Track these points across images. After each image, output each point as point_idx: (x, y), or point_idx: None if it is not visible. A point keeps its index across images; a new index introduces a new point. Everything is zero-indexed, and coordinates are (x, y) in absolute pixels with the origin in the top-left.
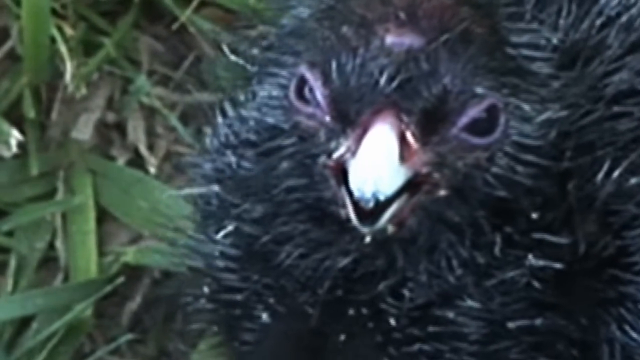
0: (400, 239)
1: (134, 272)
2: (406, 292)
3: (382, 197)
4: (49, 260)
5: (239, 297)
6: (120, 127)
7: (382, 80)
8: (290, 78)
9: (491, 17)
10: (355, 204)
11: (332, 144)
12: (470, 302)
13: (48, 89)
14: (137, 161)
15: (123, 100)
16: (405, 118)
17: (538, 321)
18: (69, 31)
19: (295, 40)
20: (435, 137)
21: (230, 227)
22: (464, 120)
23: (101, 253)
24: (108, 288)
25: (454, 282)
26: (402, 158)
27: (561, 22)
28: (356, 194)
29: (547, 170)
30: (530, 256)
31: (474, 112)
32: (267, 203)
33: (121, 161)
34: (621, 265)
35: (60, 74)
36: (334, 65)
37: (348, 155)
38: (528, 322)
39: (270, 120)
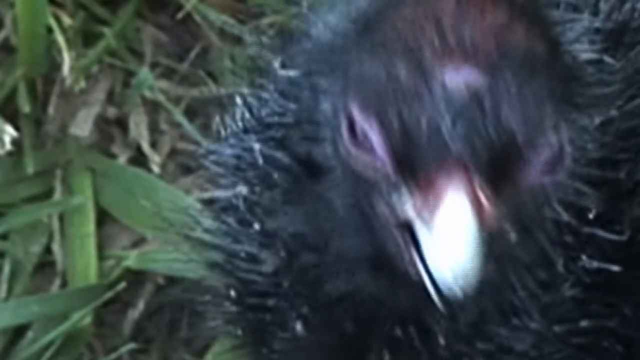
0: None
1: (136, 278)
2: (459, 312)
3: (464, 280)
4: (45, 265)
5: (269, 302)
6: (122, 123)
7: (447, 133)
8: (332, 107)
9: (544, 24)
10: (430, 273)
11: (394, 197)
12: (526, 319)
13: (44, 82)
14: (139, 159)
15: (124, 94)
16: (476, 178)
17: (584, 323)
18: (66, 20)
19: (329, 60)
20: (506, 190)
21: (257, 226)
22: (535, 166)
23: (101, 257)
24: (108, 294)
25: (517, 303)
26: (479, 225)
27: (601, 5)
28: (436, 276)
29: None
30: (584, 258)
31: (544, 156)
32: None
33: (122, 159)
34: None
35: (57, 66)
36: (393, 115)
37: (414, 216)
38: (574, 325)
39: (315, 154)
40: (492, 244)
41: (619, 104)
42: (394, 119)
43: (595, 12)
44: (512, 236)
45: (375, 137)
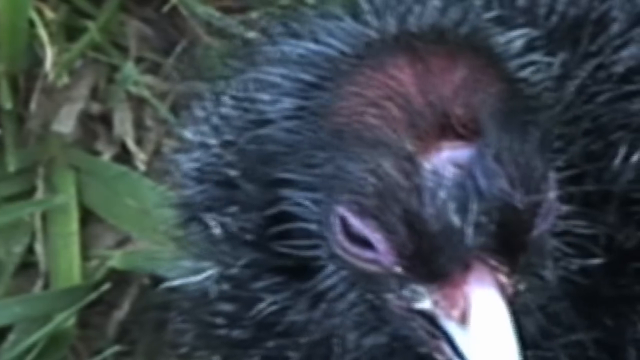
0: None
1: (120, 278)
2: None
3: None
4: (27, 265)
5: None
6: (106, 119)
7: (455, 226)
8: (314, 205)
9: (496, 59)
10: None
11: (406, 291)
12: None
13: (26, 77)
14: (124, 156)
15: (109, 89)
16: (494, 263)
17: (571, 335)
18: (49, 14)
19: (288, 153)
20: (519, 258)
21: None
22: (538, 222)
23: (85, 257)
24: (93, 295)
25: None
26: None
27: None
28: None
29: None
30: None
31: (545, 209)
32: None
33: (107, 156)
34: None
35: (39, 61)
36: (390, 213)
37: (439, 313)
38: (563, 338)
39: (306, 253)
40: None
41: (582, 101)
42: (393, 218)
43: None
44: (522, 287)
45: (375, 238)
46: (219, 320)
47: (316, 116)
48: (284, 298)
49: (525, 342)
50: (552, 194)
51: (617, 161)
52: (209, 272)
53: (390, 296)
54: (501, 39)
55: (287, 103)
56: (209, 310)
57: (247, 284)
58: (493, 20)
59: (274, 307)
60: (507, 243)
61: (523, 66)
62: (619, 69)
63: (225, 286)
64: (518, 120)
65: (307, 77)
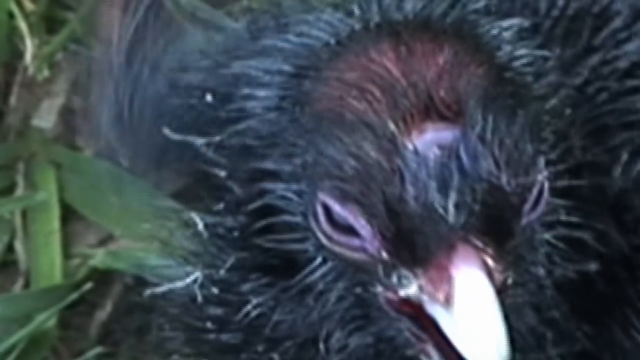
0: None
1: (103, 278)
2: None
3: (505, 355)
4: (7, 264)
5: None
6: (88, 114)
7: (439, 207)
8: (297, 195)
9: (485, 46)
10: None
11: (393, 278)
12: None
13: (6, 71)
14: (107, 152)
15: (90, 83)
16: (479, 244)
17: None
18: (29, 6)
19: (272, 144)
20: (506, 243)
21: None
22: (526, 208)
23: (66, 256)
24: (74, 295)
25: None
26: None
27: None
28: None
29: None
30: (557, 260)
31: (533, 195)
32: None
33: (89, 152)
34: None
35: (19, 54)
36: (373, 197)
37: (426, 299)
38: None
39: (293, 247)
40: (501, 300)
41: (583, 99)
42: (377, 203)
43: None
44: (512, 280)
45: (360, 224)
46: (209, 325)
47: (297, 105)
48: (271, 299)
49: (515, 341)
50: (542, 182)
51: (619, 168)
52: (195, 276)
53: (378, 288)
54: (490, 27)
55: (268, 95)
56: (198, 315)
57: (235, 287)
58: (482, 10)
59: (260, 309)
60: (494, 225)
61: (514, 55)
62: (623, 64)
63: (214, 290)
64: (505, 105)
65: (287, 68)
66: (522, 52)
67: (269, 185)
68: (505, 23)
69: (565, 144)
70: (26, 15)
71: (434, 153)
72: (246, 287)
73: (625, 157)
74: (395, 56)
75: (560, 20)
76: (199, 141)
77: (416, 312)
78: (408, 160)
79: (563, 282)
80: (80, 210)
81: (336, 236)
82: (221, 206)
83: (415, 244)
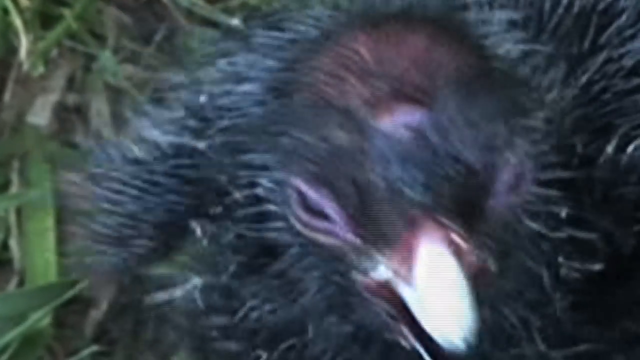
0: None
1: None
2: None
3: (469, 332)
4: (1, 262)
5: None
6: (83, 111)
7: (406, 186)
8: (273, 183)
9: (468, 37)
10: (424, 341)
11: (365, 262)
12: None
13: (0, 67)
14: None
15: (86, 79)
16: (445, 221)
17: (582, 347)
18: (23, 1)
19: (254, 134)
20: (477, 221)
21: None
22: (498, 188)
23: (61, 254)
24: (69, 293)
25: (517, 333)
26: (463, 267)
27: None
28: (443, 344)
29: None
30: (562, 260)
31: (506, 175)
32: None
33: (84, 149)
34: None
35: (14, 50)
36: (343, 182)
37: (396, 279)
38: (572, 350)
39: (267, 234)
40: (478, 284)
41: (589, 98)
42: (346, 185)
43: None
44: (494, 267)
45: (330, 206)
46: (213, 333)
47: (279, 97)
48: (263, 298)
49: (501, 334)
50: (519, 166)
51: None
52: (195, 282)
53: (355, 274)
54: (476, 18)
55: (252, 90)
56: (202, 324)
57: (235, 291)
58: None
59: (257, 311)
60: (460, 203)
61: (499, 45)
62: (628, 61)
63: (215, 297)
64: (479, 90)
65: (271, 62)
66: (509, 43)
67: (256, 177)
68: (495, 14)
69: (559, 136)
70: (20, 11)
71: (401, 134)
72: (244, 290)
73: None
74: (369, 43)
75: (565, 18)
76: (200, 144)
77: (391, 294)
78: (375, 141)
79: (572, 282)
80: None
81: (310, 221)
82: (219, 210)
83: (382, 224)
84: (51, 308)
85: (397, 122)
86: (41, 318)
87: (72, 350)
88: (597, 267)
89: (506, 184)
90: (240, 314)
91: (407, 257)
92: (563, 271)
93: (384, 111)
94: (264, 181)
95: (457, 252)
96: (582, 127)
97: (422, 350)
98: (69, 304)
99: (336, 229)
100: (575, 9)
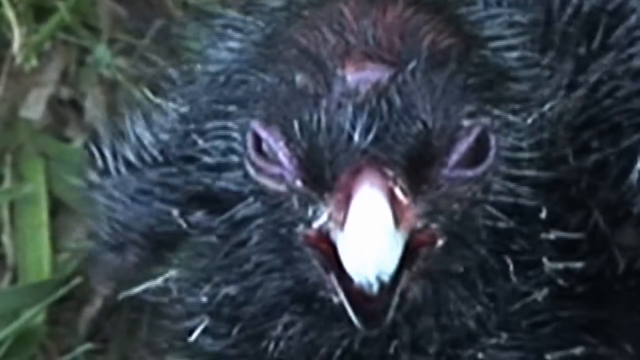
0: (404, 314)
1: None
2: (423, 344)
3: (386, 278)
4: None
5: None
6: (77, 104)
7: (355, 133)
8: (240, 133)
9: (455, 17)
10: (351, 296)
11: (309, 210)
12: (494, 339)
13: None
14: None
15: (80, 73)
16: (389, 172)
17: (578, 350)
18: None
19: (234, 84)
20: (425, 185)
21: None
22: (453, 158)
23: (55, 250)
24: (63, 290)
25: (474, 325)
26: (396, 221)
27: None
28: (356, 279)
29: (557, 180)
30: (545, 260)
31: (462, 146)
32: (239, 284)
33: (78, 143)
34: None
35: (7, 43)
36: (295, 122)
37: (332, 226)
38: (566, 352)
39: (224, 184)
40: (415, 256)
41: (593, 100)
42: (297, 127)
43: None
44: (439, 243)
45: (281, 149)
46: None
47: (258, 47)
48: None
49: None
50: (480, 140)
51: (635, 176)
52: (169, 274)
53: (298, 227)
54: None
55: (243, 42)
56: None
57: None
58: None
59: (230, 296)
60: (408, 159)
61: (489, 34)
62: (638, 62)
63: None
64: (452, 65)
65: (260, 23)
66: (499, 32)
67: (224, 125)
68: (494, 12)
69: (554, 137)
70: (13, 4)
71: (363, 87)
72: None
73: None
74: (352, 3)
75: (574, 18)
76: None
77: (328, 247)
78: (335, 88)
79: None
80: (69, 203)
81: (259, 162)
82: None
83: (325, 167)
84: (45, 305)
85: (362, 76)
86: (34, 315)
87: (66, 348)
88: (579, 265)
89: (462, 156)
90: (208, 290)
91: (343, 200)
92: (546, 271)
93: (352, 65)
94: (230, 125)
95: (395, 205)
96: (588, 128)
97: (348, 307)
98: (62, 301)
99: (283, 173)
100: (585, 9)
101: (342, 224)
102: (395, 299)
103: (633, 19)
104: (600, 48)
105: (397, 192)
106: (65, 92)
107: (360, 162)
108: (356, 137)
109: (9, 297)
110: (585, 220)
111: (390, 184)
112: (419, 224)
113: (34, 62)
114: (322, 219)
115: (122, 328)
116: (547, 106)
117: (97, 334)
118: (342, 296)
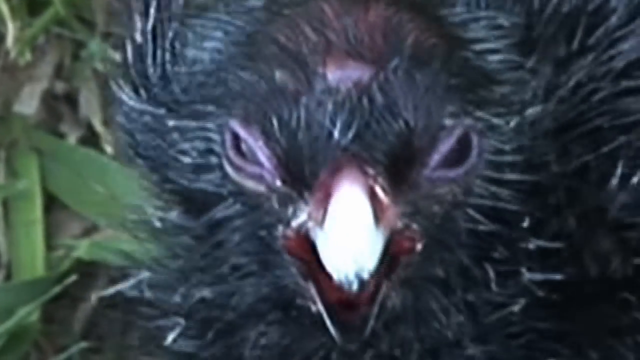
0: (384, 322)
1: (87, 269)
2: (397, 355)
3: (366, 276)
4: None
5: None
6: (71, 99)
7: (335, 131)
8: (219, 133)
9: (438, 18)
10: (330, 307)
11: (289, 210)
12: (469, 347)
13: None
14: (90, 139)
15: (74, 67)
16: (370, 171)
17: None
18: None
19: (213, 84)
20: (406, 185)
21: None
22: (435, 158)
23: (49, 247)
24: (57, 288)
25: (452, 336)
26: (377, 219)
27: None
28: (335, 277)
29: (538, 185)
30: (524, 270)
31: (444, 146)
32: (214, 287)
33: (72, 139)
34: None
35: (0, 38)
36: (274, 120)
37: (311, 225)
38: None
39: (202, 185)
40: (395, 264)
41: (539, 104)
42: (276, 124)
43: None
44: (418, 246)
45: (260, 148)
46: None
47: (238, 45)
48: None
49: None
50: (462, 141)
51: (614, 181)
52: (142, 275)
53: (278, 229)
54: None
55: (215, 45)
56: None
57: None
58: None
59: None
60: (391, 159)
61: (473, 36)
62: (618, 63)
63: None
64: (435, 65)
65: (240, 22)
66: (481, 34)
67: (203, 126)
68: (475, 12)
69: (535, 140)
70: None
71: (344, 85)
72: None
73: (620, 168)
74: (336, 2)
75: (553, 19)
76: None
77: (306, 251)
78: (316, 85)
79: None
80: (63, 199)
81: (240, 164)
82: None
83: (304, 165)
84: (39, 303)
85: (343, 74)
86: (28, 313)
87: (61, 346)
88: (559, 277)
89: (444, 157)
90: (183, 292)
91: (323, 199)
92: (524, 282)
93: (333, 63)
94: (209, 125)
95: (375, 203)
96: (566, 132)
97: (325, 317)
98: (57, 298)
99: (263, 172)
100: (564, 9)
101: (321, 222)
102: (375, 311)
103: (614, 20)
104: (580, 49)
105: (378, 190)
106: (60, 87)
107: (341, 160)
108: (336, 134)
109: (3, 294)
110: (562, 227)
111: (371, 182)
112: (400, 224)
113: (28, 56)
114: (302, 217)
115: (118, 326)
116: (530, 110)
117: (92, 332)
118: (320, 307)
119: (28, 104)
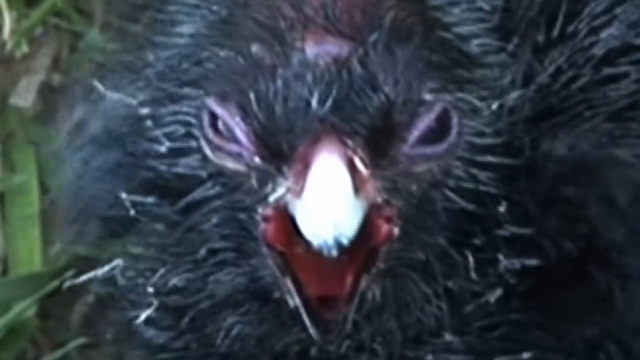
0: (364, 314)
1: (85, 265)
2: (377, 346)
3: (345, 241)
4: None
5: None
6: (69, 92)
7: (314, 102)
8: (197, 114)
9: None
10: (308, 304)
11: (268, 187)
12: (448, 337)
13: None
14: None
15: (72, 59)
16: (349, 142)
17: (525, 355)
18: None
19: (191, 66)
20: (384, 159)
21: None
22: (414, 134)
23: (46, 241)
24: (55, 283)
25: (431, 324)
26: (356, 189)
27: None
28: (314, 242)
29: (516, 169)
30: (500, 257)
31: (424, 122)
32: (188, 274)
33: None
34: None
35: None
36: (251, 94)
37: (289, 198)
38: (514, 356)
39: (181, 169)
40: (374, 258)
41: (518, 90)
42: (253, 99)
43: None
44: (398, 233)
45: (237, 126)
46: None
47: (216, 29)
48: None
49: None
50: (443, 116)
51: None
52: (115, 263)
53: (256, 211)
54: None
55: (197, 25)
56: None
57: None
58: None
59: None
60: (370, 131)
61: (453, 19)
62: (599, 50)
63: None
64: (414, 42)
65: (215, 7)
66: (462, 18)
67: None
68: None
69: (513, 125)
70: None
71: (323, 59)
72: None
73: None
74: None
75: (534, 3)
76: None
77: (285, 230)
78: (293, 60)
79: (504, 279)
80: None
81: (218, 143)
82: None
83: (282, 139)
84: (36, 298)
85: (322, 49)
86: (25, 309)
87: (58, 342)
88: (535, 262)
89: (423, 133)
90: (155, 281)
91: (301, 170)
92: (501, 270)
93: (311, 38)
94: (185, 109)
95: (355, 175)
96: (543, 119)
97: (303, 313)
98: (54, 294)
99: (241, 150)
100: None
101: (300, 193)
102: (354, 305)
103: (595, 6)
104: (560, 35)
105: (357, 162)
106: (57, 79)
107: (319, 131)
108: (314, 104)
109: None
110: (526, 212)
111: (350, 153)
112: (379, 199)
113: (24, 48)
114: (280, 191)
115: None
116: (511, 94)
117: (89, 329)
118: (298, 303)
119: (25, 96)
